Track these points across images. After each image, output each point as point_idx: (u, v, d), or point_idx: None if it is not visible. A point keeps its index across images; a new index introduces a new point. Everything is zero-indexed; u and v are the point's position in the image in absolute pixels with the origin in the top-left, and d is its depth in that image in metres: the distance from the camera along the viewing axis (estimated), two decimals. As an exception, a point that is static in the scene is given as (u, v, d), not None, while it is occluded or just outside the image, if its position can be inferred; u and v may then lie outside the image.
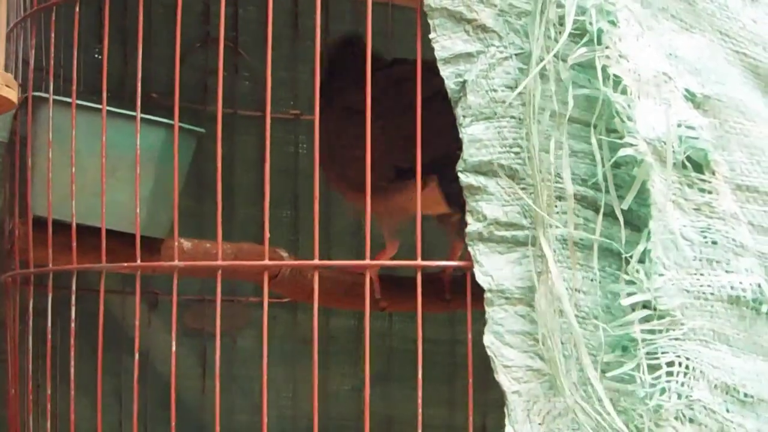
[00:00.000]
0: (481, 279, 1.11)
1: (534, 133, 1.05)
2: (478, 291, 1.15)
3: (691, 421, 1.05)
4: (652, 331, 1.05)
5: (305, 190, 1.88)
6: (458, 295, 1.60)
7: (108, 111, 1.26)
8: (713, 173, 1.15)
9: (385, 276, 1.57)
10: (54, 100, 1.28)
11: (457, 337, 1.90)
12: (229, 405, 1.84)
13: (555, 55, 1.07)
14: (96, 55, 1.72)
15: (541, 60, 1.06)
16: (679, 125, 1.12)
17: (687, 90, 1.16)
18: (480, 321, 1.17)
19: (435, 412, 1.84)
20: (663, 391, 1.04)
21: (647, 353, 1.04)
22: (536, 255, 1.08)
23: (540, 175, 1.06)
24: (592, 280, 1.07)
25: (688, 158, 1.14)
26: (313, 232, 1.83)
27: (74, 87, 1.27)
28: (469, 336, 1.15)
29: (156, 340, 1.78)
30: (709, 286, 1.10)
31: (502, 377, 1.09)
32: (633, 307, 1.06)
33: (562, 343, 1.05)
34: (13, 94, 1.26)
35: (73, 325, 1.27)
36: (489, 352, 1.10)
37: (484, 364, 1.15)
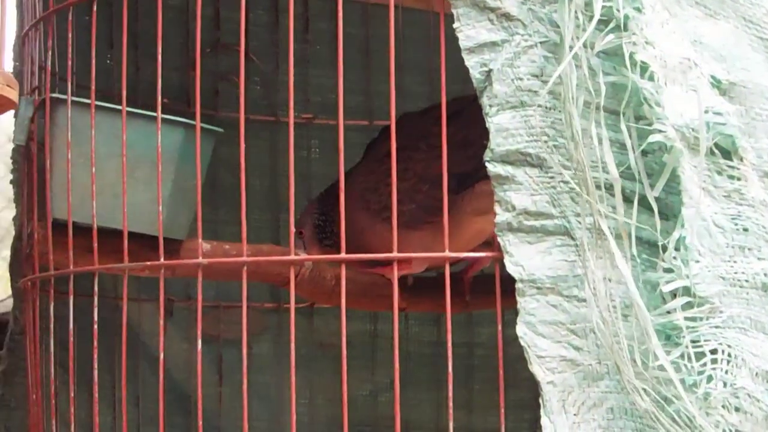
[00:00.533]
0: (511, 269, 1.10)
1: (576, 120, 1.04)
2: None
3: (737, 409, 1.04)
4: (693, 319, 1.04)
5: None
6: (478, 295, 1.60)
7: (127, 112, 1.25)
8: (741, 160, 1.14)
9: (403, 276, 1.56)
10: (72, 101, 1.27)
11: (474, 340, 1.89)
12: (246, 411, 1.83)
13: (583, 43, 1.06)
14: (108, 61, 1.71)
15: (572, 48, 1.05)
16: (706, 111, 1.11)
17: (713, 76, 1.15)
18: (495, 323, 1.16)
19: (453, 415, 1.83)
20: (710, 378, 1.03)
21: (691, 341, 1.03)
22: (586, 242, 1.06)
23: (587, 163, 1.05)
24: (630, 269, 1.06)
25: (716, 145, 1.13)
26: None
27: (93, 87, 1.26)
28: (499, 328, 1.14)
29: (171, 348, 1.77)
30: (743, 273, 1.09)
31: (536, 368, 1.08)
32: (673, 295, 1.05)
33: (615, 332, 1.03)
34: (13, 94, 1.25)
35: (95, 326, 1.25)
36: (522, 343, 1.09)
37: (503, 365, 1.14)
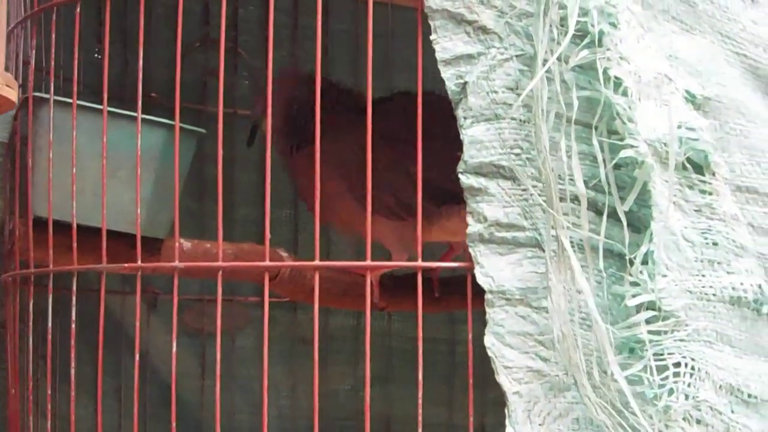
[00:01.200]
0: (481, 280, 1.11)
1: (544, 134, 1.05)
2: (478, 290, 1.15)
3: (698, 421, 1.05)
4: (657, 332, 1.05)
5: (305, 190, 1.88)
6: (455, 295, 1.61)
7: (108, 111, 1.26)
8: (713, 174, 1.15)
9: (384, 276, 1.57)
10: (54, 100, 1.28)
11: (457, 337, 1.90)
12: (229, 404, 1.85)
13: (558, 57, 1.07)
14: (96, 56, 1.72)
15: (545, 62, 1.06)
16: (679, 126, 1.12)
17: (687, 91, 1.16)
18: (479, 320, 1.17)
19: (434, 412, 1.84)
20: (671, 391, 1.04)
21: (654, 354, 1.04)
22: (550, 256, 1.07)
23: (552, 176, 1.06)
24: (596, 282, 1.07)
25: (689, 159, 1.14)
26: (313, 231, 1.85)
27: (75, 88, 1.27)
28: (470, 336, 1.15)
29: (155, 340, 1.79)
30: (711, 287, 1.11)
31: (503, 378, 1.09)
32: (638, 309, 1.06)
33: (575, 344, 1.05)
34: (13, 94, 1.26)
35: (73, 326, 1.26)
36: (490, 353, 1.10)
37: (482, 363, 1.15)
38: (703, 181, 1.14)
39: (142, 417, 1.80)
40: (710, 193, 1.14)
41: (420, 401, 1.14)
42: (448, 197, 1.42)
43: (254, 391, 1.86)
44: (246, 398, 1.86)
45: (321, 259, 1.17)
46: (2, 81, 1.25)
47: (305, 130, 1.51)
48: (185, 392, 1.84)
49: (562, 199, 1.08)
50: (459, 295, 1.57)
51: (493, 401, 1.50)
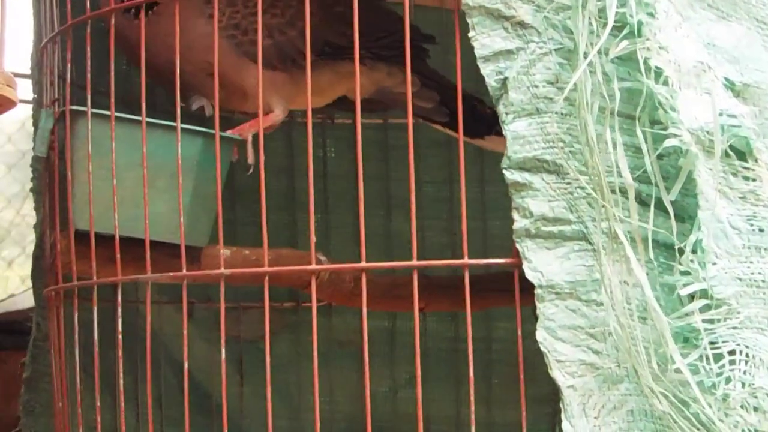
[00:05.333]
0: (530, 275, 1.11)
1: (590, 126, 1.05)
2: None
3: (755, 409, 1.05)
4: (711, 321, 1.05)
5: (335, 193, 1.89)
6: (494, 292, 1.61)
7: (146, 122, 1.27)
8: (756, 161, 1.15)
9: (422, 277, 1.57)
10: (92, 113, 1.29)
11: (492, 335, 1.90)
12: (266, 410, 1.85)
13: (598, 50, 1.07)
14: (124, 66, 1.72)
15: (586, 54, 1.06)
16: (720, 114, 1.12)
17: (726, 78, 1.16)
18: (514, 316, 1.17)
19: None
20: (728, 380, 1.04)
21: (709, 343, 1.04)
22: (600, 248, 1.07)
23: (602, 168, 1.06)
24: (646, 273, 1.07)
25: (731, 147, 1.13)
26: (344, 235, 1.86)
27: (112, 100, 1.27)
28: (519, 333, 1.15)
29: (192, 348, 1.78)
30: (759, 273, 1.10)
31: (557, 372, 1.09)
32: (690, 298, 1.06)
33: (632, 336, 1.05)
34: (13, 94, 1.27)
35: (120, 337, 1.27)
36: (542, 348, 1.10)
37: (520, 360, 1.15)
38: (747, 168, 1.14)
39: (181, 425, 1.80)
40: (753, 180, 1.14)
41: (472, 399, 1.13)
42: (330, 51, 1.41)
43: (292, 395, 1.86)
44: (284, 403, 1.86)
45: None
46: (2, 81, 1.25)
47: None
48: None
49: (611, 192, 1.08)
50: (497, 292, 1.58)
51: (532, 397, 1.50)
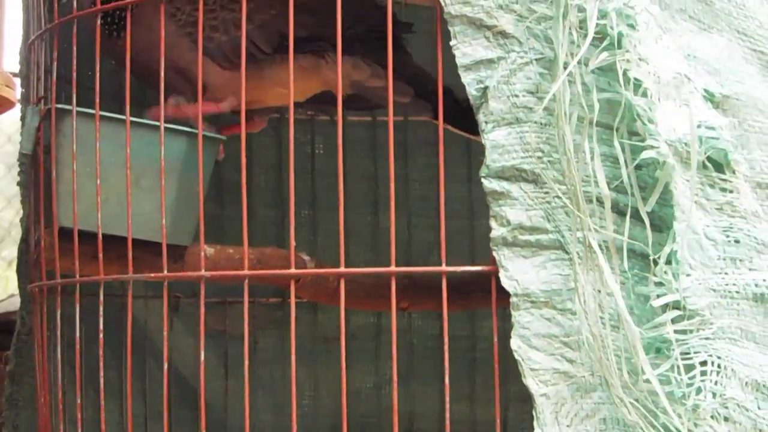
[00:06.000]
0: (506, 283, 1.12)
1: (568, 136, 1.06)
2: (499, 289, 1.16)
3: (726, 419, 1.06)
4: (683, 332, 1.06)
5: (323, 190, 1.89)
6: (476, 294, 1.61)
7: (131, 121, 1.27)
8: (734, 172, 1.16)
9: (405, 277, 1.58)
10: (77, 111, 1.29)
11: (477, 333, 1.91)
12: (252, 404, 1.85)
13: (578, 60, 1.08)
14: (112, 62, 1.73)
15: (566, 65, 1.07)
16: (699, 126, 1.13)
17: (706, 90, 1.17)
18: (500, 316, 1.18)
19: (456, 408, 1.85)
20: (699, 390, 1.05)
21: (681, 353, 1.05)
22: (576, 257, 1.08)
23: (577, 178, 1.07)
24: (620, 283, 1.08)
25: (709, 158, 1.14)
26: (331, 232, 1.86)
27: (97, 99, 1.28)
28: (495, 339, 1.16)
29: (178, 343, 1.80)
30: (734, 284, 1.11)
31: (530, 380, 1.10)
32: (663, 309, 1.07)
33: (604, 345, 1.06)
34: (12, 94, 1.28)
35: (101, 335, 1.28)
36: (516, 356, 1.11)
37: (504, 358, 1.16)
38: (724, 179, 1.15)
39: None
40: (731, 191, 1.15)
41: (447, 402, 1.15)
42: (286, 45, 1.37)
43: (276, 391, 1.87)
44: (268, 398, 1.87)
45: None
46: (1, 81, 1.26)
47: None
48: (208, 393, 1.84)
49: (586, 201, 1.08)
50: (480, 293, 1.59)
51: (515, 396, 1.51)
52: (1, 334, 1.97)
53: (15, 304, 2.34)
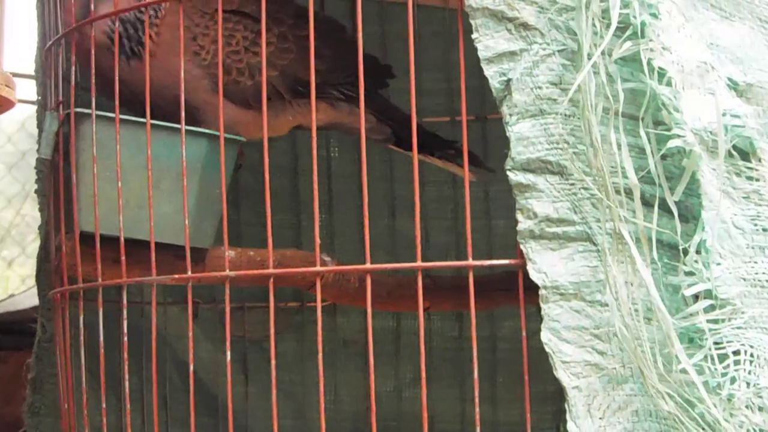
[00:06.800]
0: (534, 276, 1.12)
1: (594, 127, 1.06)
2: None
3: (760, 409, 1.05)
4: (716, 321, 1.05)
5: (339, 193, 1.89)
6: (498, 292, 1.61)
7: (151, 125, 1.27)
8: (759, 160, 1.15)
9: (426, 277, 1.57)
10: (97, 115, 1.29)
11: (497, 333, 1.90)
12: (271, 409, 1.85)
13: (601, 51, 1.07)
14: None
15: (590, 56, 1.06)
16: (724, 114, 1.12)
17: (729, 78, 1.16)
18: (517, 315, 1.17)
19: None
20: (733, 380, 1.04)
21: (714, 343, 1.04)
22: (606, 248, 1.07)
23: (606, 168, 1.06)
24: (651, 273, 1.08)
25: (734, 147, 1.14)
26: (348, 236, 1.86)
27: (117, 103, 1.27)
28: (524, 334, 1.16)
29: (198, 349, 1.79)
30: (764, 273, 1.11)
31: (561, 373, 1.10)
32: (695, 298, 1.06)
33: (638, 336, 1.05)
34: (12, 94, 1.27)
35: (125, 339, 1.27)
36: (547, 349, 1.10)
37: (523, 357, 1.15)
38: (750, 168, 1.14)
39: (186, 424, 1.81)
40: (757, 180, 1.15)
41: (477, 401, 1.14)
42: (301, 90, 1.43)
43: (297, 395, 1.87)
44: (288, 403, 1.87)
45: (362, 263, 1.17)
46: (2, 81, 1.25)
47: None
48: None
49: (615, 192, 1.08)
50: (502, 292, 1.58)
51: (535, 396, 1.50)
52: (1, 334, 1.97)
53: (15, 304, 2.35)
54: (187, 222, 1.25)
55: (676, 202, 1.10)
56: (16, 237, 3.12)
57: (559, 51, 1.13)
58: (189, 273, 1.22)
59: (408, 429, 1.88)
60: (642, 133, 1.09)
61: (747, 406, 1.04)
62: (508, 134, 1.13)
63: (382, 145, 1.62)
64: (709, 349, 1.04)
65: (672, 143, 1.09)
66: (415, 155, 1.18)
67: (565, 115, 1.12)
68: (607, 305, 1.09)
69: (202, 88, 1.41)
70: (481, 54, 1.14)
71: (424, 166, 1.88)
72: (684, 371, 1.03)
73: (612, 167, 1.09)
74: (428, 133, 1.59)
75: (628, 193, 1.09)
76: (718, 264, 1.08)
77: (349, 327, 1.88)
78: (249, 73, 1.44)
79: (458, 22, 1.16)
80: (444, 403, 1.88)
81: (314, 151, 1.18)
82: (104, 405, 1.29)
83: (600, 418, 1.08)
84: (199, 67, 1.41)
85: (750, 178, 1.14)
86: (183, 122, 1.25)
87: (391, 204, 1.90)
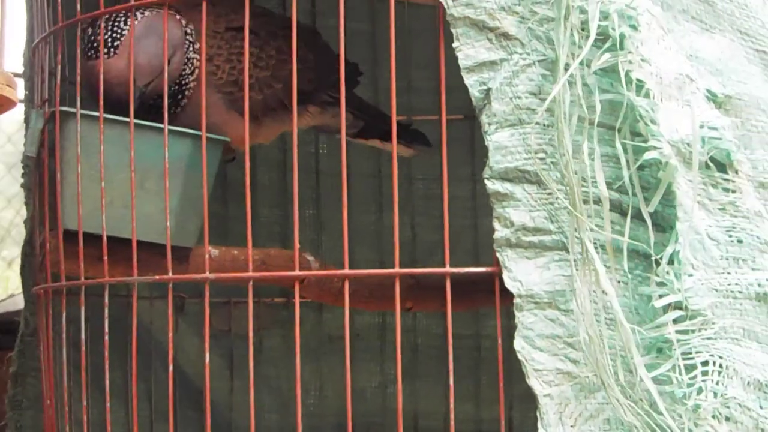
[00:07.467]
0: (509, 284, 1.13)
1: (566, 137, 1.07)
2: (503, 288, 1.16)
3: (727, 419, 1.06)
4: (685, 332, 1.06)
5: (327, 190, 1.90)
6: (481, 293, 1.62)
7: (135, 124, 1.28)
8: (736, 172, 1.16)
9: (409, 277, 1.58)
10: (81, 114, 1.30)
11: (482, 332, 1.91)
12: (258, 404, 1.86)
13: (580, 61, 1.08)
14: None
15: (568, 66, 1.07)
16: (701, 126, 1.13)
17: (708, 90, 1.17)
18: (505, 315, 1.18)
19: (461, 407, 1.85)
20: (700, 390, 1.06)
21: (682, 353, 1.05)
22: (575, 258, 1.09)
23: (574, 179, 1.07)
24: (622, 283, 1.09)
25: (712, 158, 1.15)
26: (335, 231, 1.87)
27: (101, 102, 1.28)
28: (499, 341, 1.17)
29: (183, 343, 1.80)
30: (737, 284, 1.12)
31: (534, 381, 1.11)
32: (665, 309, 1.07)
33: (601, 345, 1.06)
34: (13, 94, 1.27)
35: (106, 337, 1.28)
36: (520, 357, 1.11)
37: (508, 357, 1.16)
38: (726, 179, 1.15)
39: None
40: (733, 191, 1.15)
41: (452, 406, 1.15)
42: (301, 98, 1.44)
43: (282, 390, 1.88)
44: (274, 398, 1.88)
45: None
46: (3, 81, 1.26)
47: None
48: (214, 393, 1.85)
49: (586, 202, 1.09)
50: (485, 293, 1.59)
51: (520, 395, 1.51)
52: (1, 334, 1.98)
53: (15, 304, 2.36)
54: (169, 221, 1.26)
55: (653, 213, 1.11)
56: (16, 237, 3.13)
57: (539, 61, 1.14)
58: (170, 274, 1.23)
59: (393, 424, 1.89)
60: (618, 144, 1.10)
61: (714, 416, 1.06)
62: (486, 143, 1.14)
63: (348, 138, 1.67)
64: (677, 359, 1.05)
65: (648, 155, 1.10)
66: (395, 156, 1.19)
67: (544, 125, 1.13)
68: (601, 313, 1.10)
69: (217, 106, 1.43)
70: (462, 63, 1.14)
71: (413, 163, 1.89)
72: (643, 381, 1.04)
73: (586, 177, 1.10)
74: (399, 124, 1.64)
75: (600, 203, 1.10)
76: (690, 275, 1.09)
77: (335, 323, 1.89)
78: (258, 87, 1.48)
79: (440, 26, 1.17)
80: (429, 400, 1.89)
81: (295, 159, 1.19)
82: (85, 401, 1.30)
83: (571, 426, 1.10)
84: (214, 87, 1.43)
85: (726, 190, 1.15)
86: (166, 122, 1.26)
87: (378, 200, 1.90)
